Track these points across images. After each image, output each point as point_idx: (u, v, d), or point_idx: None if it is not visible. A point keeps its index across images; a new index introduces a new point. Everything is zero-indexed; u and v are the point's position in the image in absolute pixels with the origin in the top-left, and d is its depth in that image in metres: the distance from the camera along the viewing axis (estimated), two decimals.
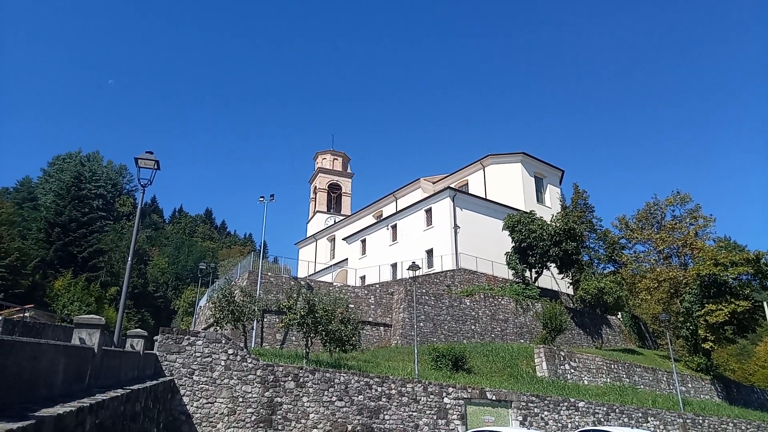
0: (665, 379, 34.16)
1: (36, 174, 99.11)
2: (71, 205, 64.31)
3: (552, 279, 44.66)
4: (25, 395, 5.95)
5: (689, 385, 35.20)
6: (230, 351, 18.51)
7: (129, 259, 15.21)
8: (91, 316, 9.65)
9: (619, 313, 46.55)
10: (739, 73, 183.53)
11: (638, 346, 45.26)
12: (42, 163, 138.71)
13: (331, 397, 19.19)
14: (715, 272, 35.97)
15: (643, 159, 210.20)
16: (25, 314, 36.22)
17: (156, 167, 15.22)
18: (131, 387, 11.08)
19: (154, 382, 14.46)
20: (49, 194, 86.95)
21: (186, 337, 18.15)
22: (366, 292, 36.01)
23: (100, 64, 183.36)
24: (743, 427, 27.93)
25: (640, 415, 24.94)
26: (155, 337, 18.45)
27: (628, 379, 32.14)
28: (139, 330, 15.99)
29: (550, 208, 50.59)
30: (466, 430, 20.12)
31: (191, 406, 17.33)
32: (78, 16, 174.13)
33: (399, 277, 41.79)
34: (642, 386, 32.33)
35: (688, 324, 37.77)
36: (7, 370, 5.36)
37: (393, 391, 20.24)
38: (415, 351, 23.43)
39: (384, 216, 54.18)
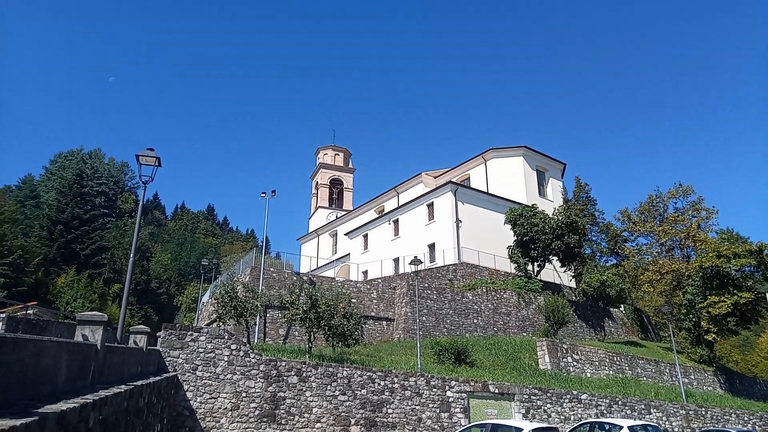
0: (668, 371, 34.20)
1: (38, 172, 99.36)
2: (73, 203, 64.37)
3: (554, 272, 44.65)
4: (29, 392, 5.98)
5: (692, 377, 35.22)
6: (233, 346, 18.55)
7: (131, 255, 15.24)
8: (94, 312, 9.67)
9: (622, 305, 46.56)
10: (742, 65, 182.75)
11: (641, 338, 45.30)
12: (44, 161, 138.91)
13: (334, 392, 19.24)
14: (718, 264, 35.94)
15: (645, 152, 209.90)
16: (29, 311, 36.37)
17: (157, 164, 15.21)
18: (134, 383, 11.11)
19: (158, 378, 14.51)
20: (51, 192, 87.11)
21: (189, 333, 18.19)
22: (368, 286, 36.07)
23: (101, 61, 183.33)
24: (746, 418, 27.95)
25: (642, 406, 24.98)
26: (158, 333, 18.50)
27: (630, 372, 32.17)
28: (142, 326, 16.02)
29: (552, 202, 50.54)
30: (469, 423, 20.16)
31: (195, 401, 17.39)
32: (80, 13, 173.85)
33: (401, 271, 41.84)
34: (645, 378, 32.39)
35: (691, 316, 37.78)
36: (11, 367, 5.38)
37: (396, 385, 20.29)
38: (418, 345, 23.49)
39: (386, 211, 54.17)
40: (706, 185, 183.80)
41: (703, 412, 26.72)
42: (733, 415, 27.77)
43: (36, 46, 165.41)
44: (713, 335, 36.49)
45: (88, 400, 6.85)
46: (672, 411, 25.74)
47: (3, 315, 28.55)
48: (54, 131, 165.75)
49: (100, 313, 9.59)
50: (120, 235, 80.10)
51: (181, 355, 17.72)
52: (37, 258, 52.78)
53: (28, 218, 69.76)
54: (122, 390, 9.26)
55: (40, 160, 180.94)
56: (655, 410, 25.20)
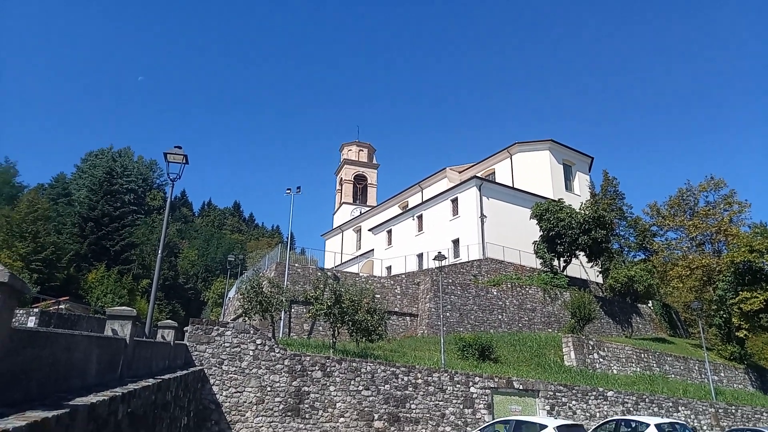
0: (697, 368, 33.56)
1: (70, 170, 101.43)
2: (104, 200, 65.81)
3: (581, 267, 44.11)
4: (60, 385, 6.16)
5: (722, 375, 34.53)
6: (258, 341, 18.80)
7: (159, 251, 15.52)
8: (123, 307, 9.91)
9: (650, 301, 45.78)
10: None
11: (669, 335, 44.51)
12: (75, 159, 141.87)
13: (357, 387, 19.37)
14: (750, 259, 35.08)
15: (676, 144, 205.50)
16: (61, 306, 37.37)
17: (185, 161, 15.45)
18: (162, 376, 11.36)
19: (185, 371, 14.79)
20: (82, 190, 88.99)
21: (215, 328, 18.49)
22: (392, 282, 36.13)
23: (130, 60, 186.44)
24: None
25: (670, 404, 24.60)
26: (185, 328, 18.85)
27: (658, 368, 31.66)
28: (169, 321, 16.34)
29: (579, 196, 49.88)
30: (493, 419, 20.11)
31: (220, 395, 17.70)
32: (108, 14, 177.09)
33: (425, 267, 41.78)
34: (673, 375, 31.83)
35: (722, 312, 37.00)
36: (43, 361, 5.56)
37: (419, 381, 20.33)
38: (441, 340, 23.47)
39: (410, 206, 54.12)
40: (738, 178, 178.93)
41: (733, 411, 26.19)
42: (765, 413, 27.15)
43: (70, 48, 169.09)
44: (744, 332, 35.67)
45: (117, 393, 7.04)
46: (701, 409, 25.29)
47: (36, 310, 29.41)
48: (86, 130, 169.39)
49: (129, 308, 9.82)
50: (148, 231, 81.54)
51: (207, 350, 18.03)
52: (69, 254, 54.11)
53: (60, 215, 71.44)
54: (150, 384, 9.47)
55: (73, 159, 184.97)
56: (683, 408, 24.79)
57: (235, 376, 18.10)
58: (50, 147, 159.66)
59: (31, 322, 25.77)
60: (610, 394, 23.45)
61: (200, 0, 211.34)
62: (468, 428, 20.18)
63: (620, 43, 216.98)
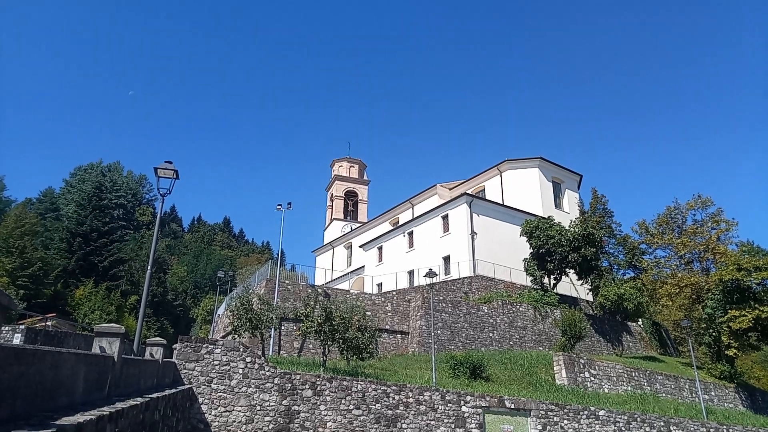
0: (688, 387, 33.56)
1: (59, 185, 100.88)
2: (92, 215, 65.28)
3: (571, 285, 44.18)
4: (47, 403, 6.04)
5: (713, 394, 34.53)
6: (248, 359, 18.58)
7: (149, 268, 15.36)
8: (111, 324, 9.76)
9: (640, 319, 45.87)
10: (763, 72, 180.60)
11: (659, 353, 44.56)
12: (64, 173, 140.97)
13: (348, 406, 19.15)
14: (738, 277, 35.28)
15: (663, 162, 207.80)
16: (47, 323, 36.79)
17: (175, 177, 15.36)
18: (150, 395, 11.16)
19: (173, 390, 14.56)
20: (71, 204, 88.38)
21: (204, 346, 18.26)
22: (383, 299, 35.96)
23: (119, 74, 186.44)
24: None
25: (662, 424, 24.52)
26: (174, 346, 18.58)
27: (649, 387, 31.63)
28: (158, 338, 16.11)
29: (568, 214, 50.13)
30: None
31: (209, 414, 17.41)
32: (95, 27, 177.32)
33: (416, 284, 41.67)
34: (664, 394, 31.79)
35: (711, 330, 37.09)
36: (29, 379, 5.45)
37: (411, 400, 20.14)
38: (433, 359, 23.33)
39: (400, 223, 54.14)
40: (725, 196, 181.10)
41: (725, 430, 26.16)
42: None
43: (58, 62, 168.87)
44: (734, 350, 35.75)
45: (104, 413, 6.90)
46: (692, 429, 25.24)
47: (22, 326, 28.91)
48: (75, 145, 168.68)
49: (118, 326, 9.68)
50: (137, 247, 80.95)
51: (196, 368, 17.78)
52: (57, 270, 53.50)
53: (48, 231, 70.81)
54: (138, 402, 9.30)
55: (61, 173, 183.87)
56: (674, 428, 24.72)
57: (225, 394, 17.84)
58: (39, 161, 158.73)
59: (17, 339, 25.34)
60: (601, 413, 23.36)
61: (192, 16, 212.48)
62: None
63: (609, 57, 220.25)
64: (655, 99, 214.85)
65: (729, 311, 35.30)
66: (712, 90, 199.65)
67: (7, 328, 26.28)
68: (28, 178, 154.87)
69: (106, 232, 65.00)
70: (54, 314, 41.92)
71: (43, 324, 35.91)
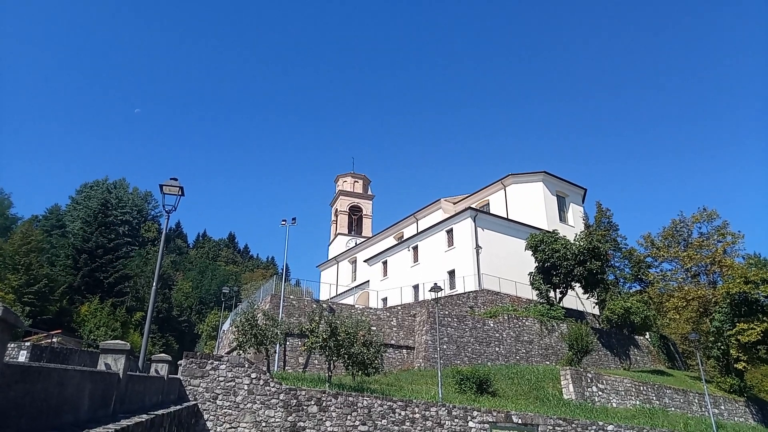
0: (697, 401, 33.17)
1: (65, 202, 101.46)
2: (98, 232, 65.56)
3: (577, 299, 43.95)
4: (52, 421, 6.03)
5: (722, 408, 34.11)
6: (253, 375, 18.51)
7: (154, 284, 15.41)
8: (117, 341, 9.76)
9: (647, 333, 45.50)
10: None
11: (667, 366, 44.14)
12: (70, 190, 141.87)
13: (354, 422, 19.02)
14: (746, 290, 35.03)
15: (668, 175, 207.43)
16: (53, 340, 36.87)
17: (180, 193, 15.46)
18: (155, 412, 11.13)
19: (178, 407, 14.51)
20: (76, 221, 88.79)
21: (209, 362, 18.21)
22: (388, 314, 35.83)
23: (127, 92, 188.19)
24: None
25: None
26: (179, 362, 18.54)
27: (658, 402, 31.28)
28: (163, 355, 16.10)
29: (573, 227, 50.03)
30: None
31: (215, 430, 17.33)
32: (103, 45, 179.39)
33: (421, 298, 41.54)
34: (672, 409, 31.42)
35: (719, 344, 36.74)
36: (35, 396, 5.46)
37: (417, 415, 19.99)
38: (439, 374, 23.19)
39: (405, 237, 54.11)
40: (731, 209, 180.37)
41: None
42: None
43: (65, 80, 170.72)
44: (743, 364, 35.38)
45: (109, 430, 6.89)
46: None
47: (28, 343, 28.97)
48: (81, 162, 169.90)
49: (123, 342, 9.68)
50: (143, 263, 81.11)
51: (201, 384, 17.72)
52: (62, 286, 53.63)
53: (54, 247, 71.07)
54: (143, 419, 9.28)
55: (68, 190, 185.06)
56: None
57: (230, 411, 17.76)
58: (45, 178, 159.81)
59: (23, 356, 25.39)
60: (610, 428, 23.09)
61: (194, 28, 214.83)
62: None
63: (614, 70, 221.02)
64: (659, 111, 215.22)
65: (737, 324, 35.02)
66: (717, 102, 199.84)
67: (12, 345, 26.33)
68: (35, 196, 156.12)
69: (112, 249, 65.22)
70: (59, 330, 42.04)
71: (49, 341, 35.97)
